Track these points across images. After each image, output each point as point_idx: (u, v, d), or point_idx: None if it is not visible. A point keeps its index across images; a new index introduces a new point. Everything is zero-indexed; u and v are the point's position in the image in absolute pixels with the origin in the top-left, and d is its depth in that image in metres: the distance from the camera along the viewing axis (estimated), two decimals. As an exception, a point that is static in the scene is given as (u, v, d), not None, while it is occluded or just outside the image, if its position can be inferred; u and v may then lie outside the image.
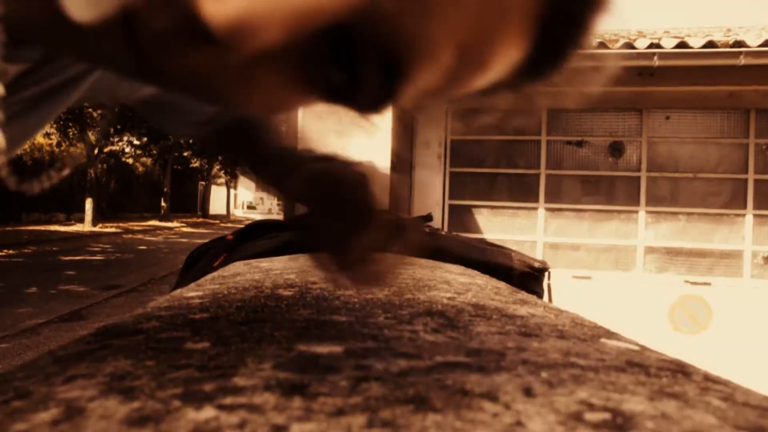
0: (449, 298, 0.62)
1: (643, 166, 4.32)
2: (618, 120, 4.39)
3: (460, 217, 4.56)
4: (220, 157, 23.91)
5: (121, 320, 0.48)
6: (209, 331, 0.40)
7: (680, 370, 0.34)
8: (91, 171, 15.55)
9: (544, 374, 0.30)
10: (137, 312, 0.52)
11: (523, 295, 0.76)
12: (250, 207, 46.49)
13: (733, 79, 4.01)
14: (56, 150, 17.97)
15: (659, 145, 4.33)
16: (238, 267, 1.04)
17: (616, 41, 3.79)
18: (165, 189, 21.30)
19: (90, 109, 15.50)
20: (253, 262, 1.15)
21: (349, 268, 0.39)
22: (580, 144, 4.44)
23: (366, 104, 0.28)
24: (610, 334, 0.47)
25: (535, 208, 4.46)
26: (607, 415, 0.24)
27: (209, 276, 0.93)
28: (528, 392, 0.27)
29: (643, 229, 4.31)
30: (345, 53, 0.25)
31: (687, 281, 4.17)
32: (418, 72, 0.25)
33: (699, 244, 4.24)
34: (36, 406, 0.24)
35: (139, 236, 15.38)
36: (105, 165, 18.89)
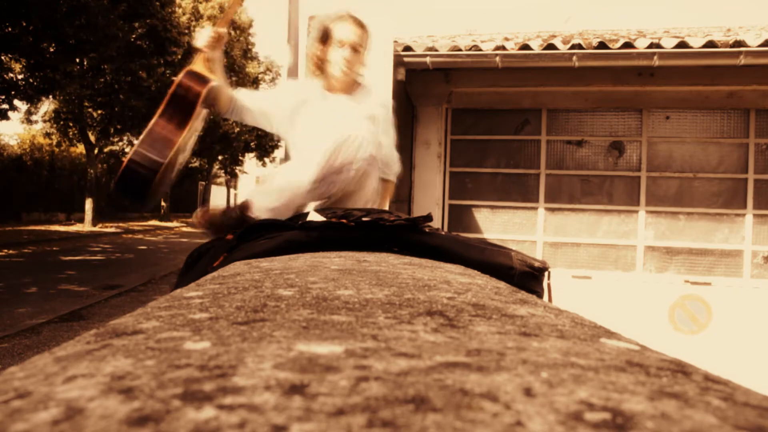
0: (449, 298, 0.61)
1: (643, 166, 4.32)
2: (618, 120, 4.39)
3: (460, 217, 4.56)
4: (219, 157, 24.03)
5: (121, 320, 0.48)
6: (209, 331, 0.40)
7: (680, 370, 0.34)
8: (91, 171, 15.54)
9: (544, 374, 0.30)
10: (137, 312, 0.52)
11: (523, 295, 0.76)
12: (250, 207, 46.47)
13: (733, 79, 4.01)
14: (56, 150, 17.96)
15: (659, 145, 4.33)
16: (238, 267, 1.04)
17: (616, 41, 3.79)
18: (165, 189, 21.31)
19: (90, 109, 15.50)
20: (253, 262, 1.15)
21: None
22: (580, 144, 4.44)
23: None
24: (610, 334, 0.47)
25: (535, 208, 4.46)
26: (607, 415, 0.24)
27: (209, 276, 0.93)
28: (528, 392, 0.27)
29: (643, 228, 4.31)
30: None
31: (687, 281, 4.17)
32: None
33: (699, 243, 4.24)
34: (36, 406, 0.24)
35: (139, 236, 15.38)
36: (105, 165, 18.89)
